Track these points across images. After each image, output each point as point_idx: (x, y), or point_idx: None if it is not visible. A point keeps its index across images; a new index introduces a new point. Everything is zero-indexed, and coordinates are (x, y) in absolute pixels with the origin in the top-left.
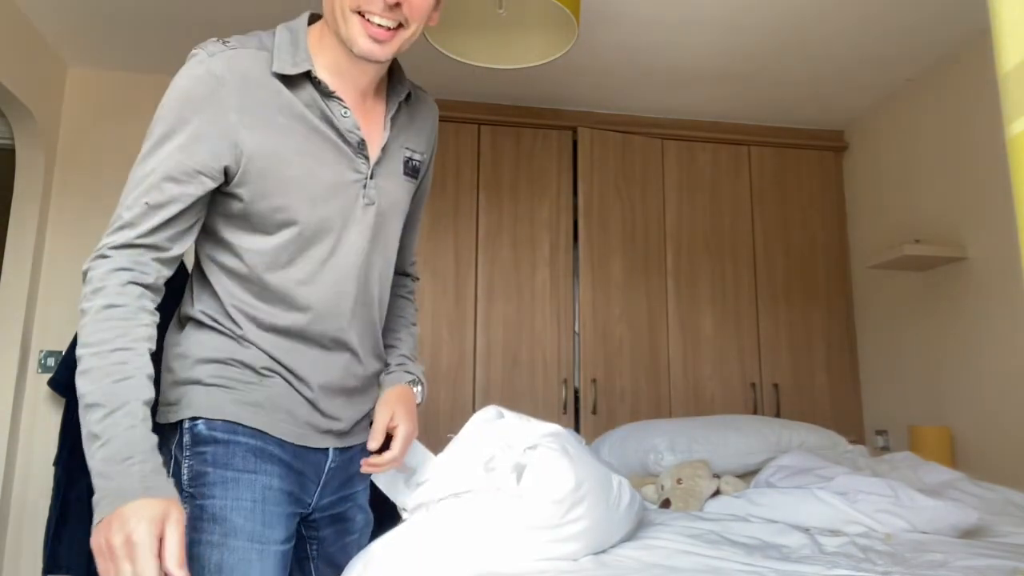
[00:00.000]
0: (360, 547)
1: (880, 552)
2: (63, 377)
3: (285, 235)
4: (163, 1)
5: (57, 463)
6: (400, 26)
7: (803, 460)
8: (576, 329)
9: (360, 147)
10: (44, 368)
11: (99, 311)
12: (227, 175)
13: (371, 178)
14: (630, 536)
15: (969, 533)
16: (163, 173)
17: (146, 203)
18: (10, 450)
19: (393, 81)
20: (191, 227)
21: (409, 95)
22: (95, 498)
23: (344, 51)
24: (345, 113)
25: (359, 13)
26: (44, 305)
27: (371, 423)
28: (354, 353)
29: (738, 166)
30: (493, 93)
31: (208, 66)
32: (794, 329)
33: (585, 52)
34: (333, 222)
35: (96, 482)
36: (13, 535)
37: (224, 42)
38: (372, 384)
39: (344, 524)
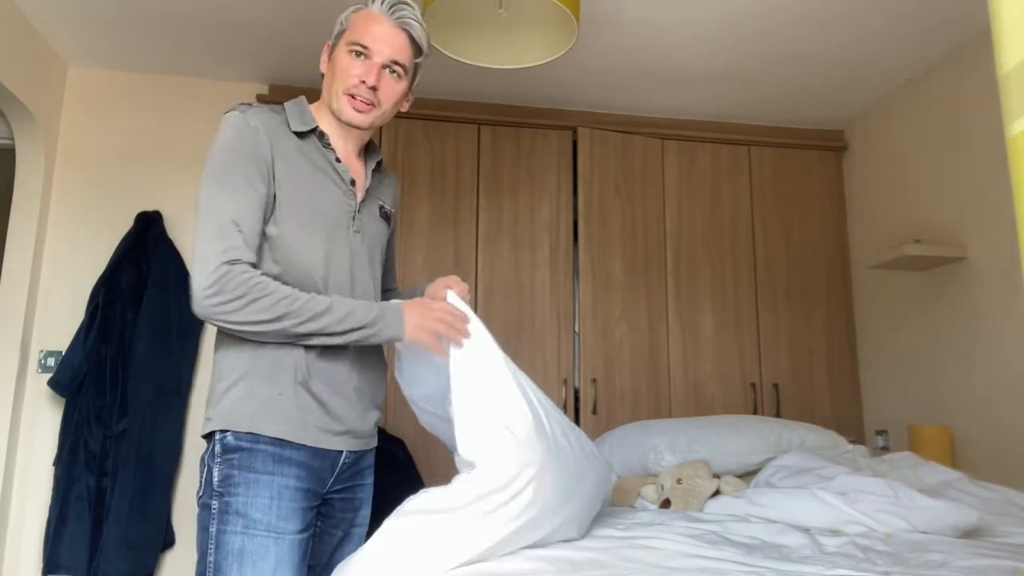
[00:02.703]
0: (358, 539)
1: (880, 552)
2: (63, 377)
3: (304, 246)
4: (163, 1)
5: (57, 463)
6: (374, 105)
7: (803, 460)
8: (576, 329)
9: (351, 185)
10: (44, 368)
11: (255, 286)
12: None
13: (359, 212)
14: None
15: (969, 533)
16: (238, 201)
17: (234, 223)
18: (10, 450)
19: (370, 150)
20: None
21: (379, 163)
22: (383, 329)
23: (335, 121)
24: (338, 159)
25: (349, 95)
26: (44, 305)
27: (377, 433)
28: (351, 356)
29: (738, 166)
30: (493, 93)
31: (246, 119)
32: (794, 329)
33: (585, 52)
34: (330, 242)
35: (376, 323)
36: (13, 535)
37: (248, 104)
38: (377, 389)
39: (351, 503)
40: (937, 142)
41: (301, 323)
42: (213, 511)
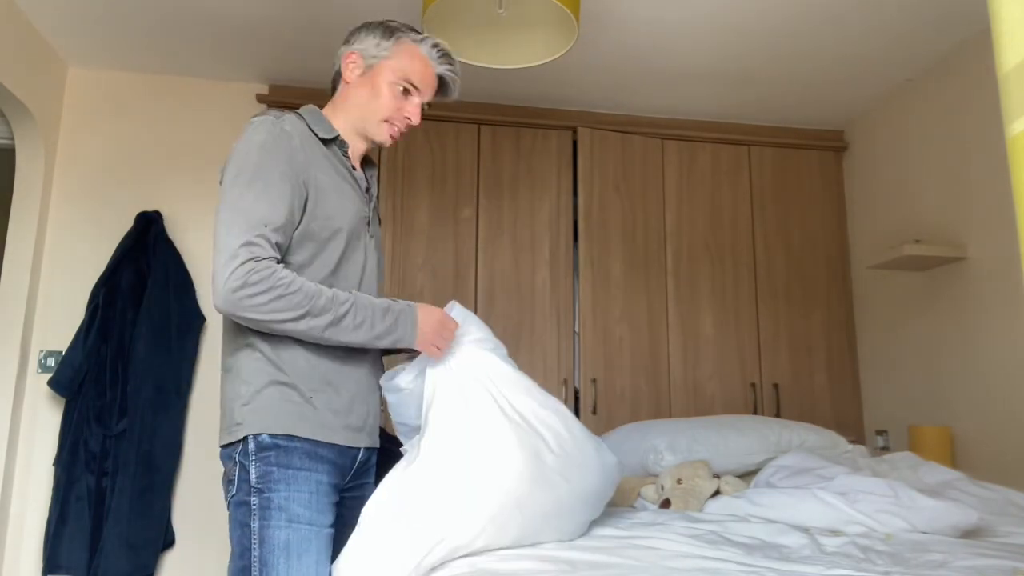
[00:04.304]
0: None
1: (880, 552)
2: (63, 377)
3: (329, 249)
4: (163, 2)
5: (57, 463)
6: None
7: (803, 460)
8: (576, 329)
9: (367, 192)
10: (44, 368)
11: (279, 282)
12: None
13: (371, 217)
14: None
15: (969, 533)
16: (268, 200)
17: (261, 221)
18: (10, 450)
19: (368, 160)
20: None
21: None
22: (397, 339)
23: (354, 134)
24: (354, 167)
25: (387, 122)
26: (44, 305)
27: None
28: (366, 356)
29: (738, 166)
30: (493, 93)
31: (281, 124)
32: (794, 329)
33: (585, 52)
34: (352, 247)
35: (392, 332)
36: (13, 535)
37: (279, 111)
38: (377, 387)
39: (360, 500)
40: (937, 142)
41: (322, 323)
42: (253, 507)
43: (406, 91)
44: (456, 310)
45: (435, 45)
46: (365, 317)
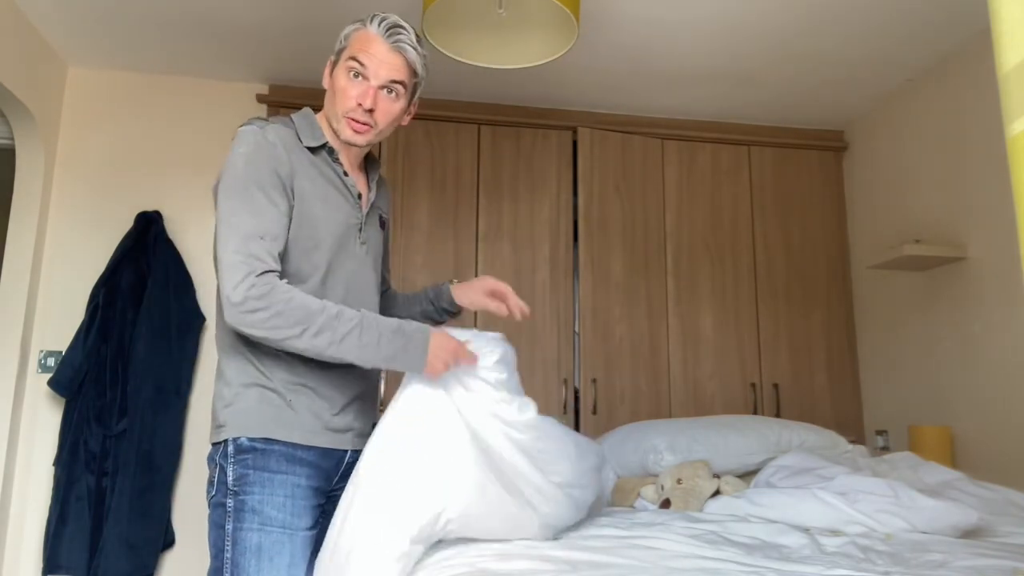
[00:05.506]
0: None
1: (880, 552)
2: (63, 377)
3: (314, 258)
4: (163, 2)
5: (57, 463)
6: (371, 126)
7: (803, 460)
8: (576, 329)
9: (358, 199)
10: (44, 368)
11: (283, 299)
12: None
13: (364, 224)
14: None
15: (969, 533)
16: (261, 212)
17: (258, 234)
18: (10, 450)
19: (371, 162)
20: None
21: (379, 176)
22: (404, 365)
23: (335, 137)
24: (346, 173)
25: (348, 117)
26: (44, 305)
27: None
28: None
29: (738, 166)
30: (493, 93)
31: (264, 134)
32: (794, 329)
33: (585, 52)
34: (338, 254)
35: (399, 357)
36: (13, 535)
37: (264, 120)
38: (374, 392)
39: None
40: (937, 142)
41: (324, 340)
42: (228, 509)
43: (357, 75)
44: (493, 345)
45: (383, 20)
46: (372, 337)
